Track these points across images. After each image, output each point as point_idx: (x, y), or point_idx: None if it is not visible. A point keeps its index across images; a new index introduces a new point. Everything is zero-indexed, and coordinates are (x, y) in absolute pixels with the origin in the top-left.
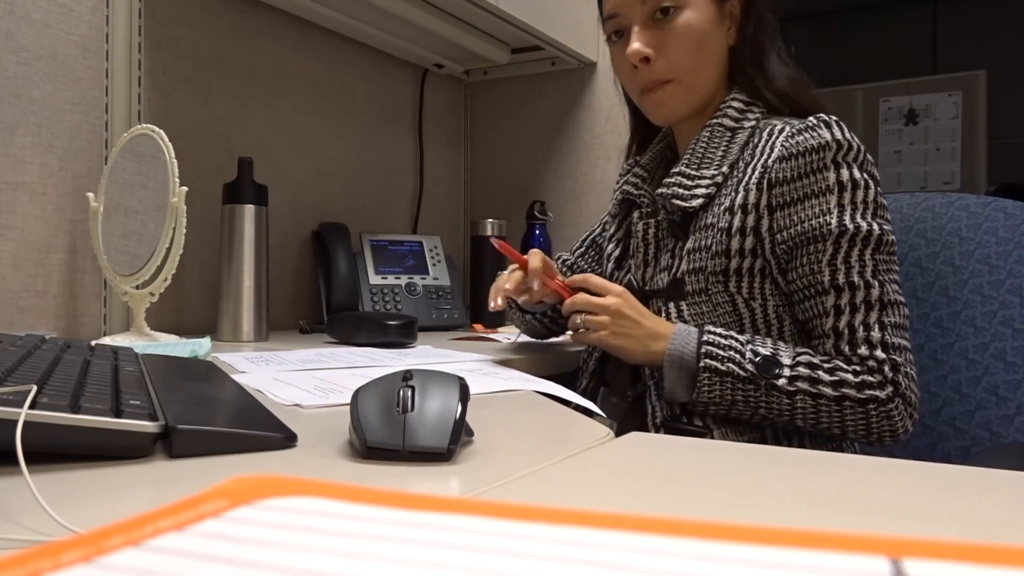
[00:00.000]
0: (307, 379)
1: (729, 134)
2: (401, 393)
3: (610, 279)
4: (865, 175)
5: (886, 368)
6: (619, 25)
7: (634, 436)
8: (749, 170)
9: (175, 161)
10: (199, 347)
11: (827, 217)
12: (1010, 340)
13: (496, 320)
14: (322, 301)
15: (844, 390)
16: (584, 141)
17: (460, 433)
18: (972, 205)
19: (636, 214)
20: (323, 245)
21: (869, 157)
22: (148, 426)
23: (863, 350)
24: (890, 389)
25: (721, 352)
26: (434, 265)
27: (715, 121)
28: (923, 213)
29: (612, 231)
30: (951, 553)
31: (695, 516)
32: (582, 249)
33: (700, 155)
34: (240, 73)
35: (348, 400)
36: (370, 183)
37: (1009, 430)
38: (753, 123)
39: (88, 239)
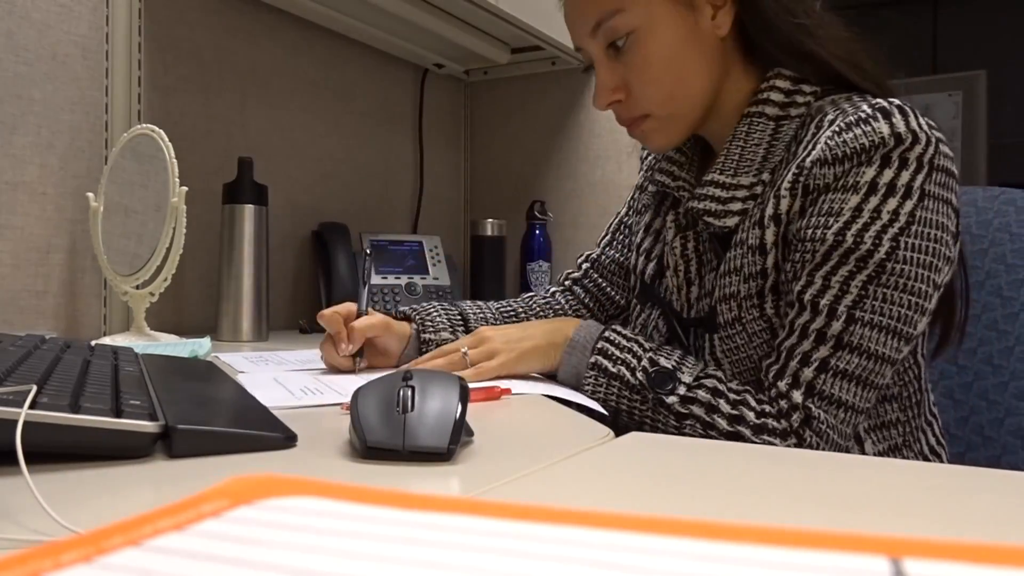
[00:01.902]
0: (307, 379)
1: (772, 126)
2: (401, 393)
3: (640, 276)
4: (920, 180)
5: (794, 417)
6: (587, 59)
7: (634, 436)
8: (788, 172)
9: (175, 161)
10: (199, 347)
11: (831, 218)
12: None
13: None
14: (322, 301)
15: (739, 427)
16: (584, 141)
17: (460, 433)
18: (980, 200)
19: (670, 219)
20: (323, 245)
21: (941, 154)
22: (148, 426)
23: (782, 385)
24: (792, 441)
25: (616, 352)
26: (434, 265)
27: (755, 110)
28: None
29: (648, 220)
30: (951, 553)
31: (695, 516)
32: (608, 238)
33: (737, 157)
34: (240, 73)
35: (348, 400)
36: (370, 183)
37: None
38: (803, 109)
39: (88, 239)
